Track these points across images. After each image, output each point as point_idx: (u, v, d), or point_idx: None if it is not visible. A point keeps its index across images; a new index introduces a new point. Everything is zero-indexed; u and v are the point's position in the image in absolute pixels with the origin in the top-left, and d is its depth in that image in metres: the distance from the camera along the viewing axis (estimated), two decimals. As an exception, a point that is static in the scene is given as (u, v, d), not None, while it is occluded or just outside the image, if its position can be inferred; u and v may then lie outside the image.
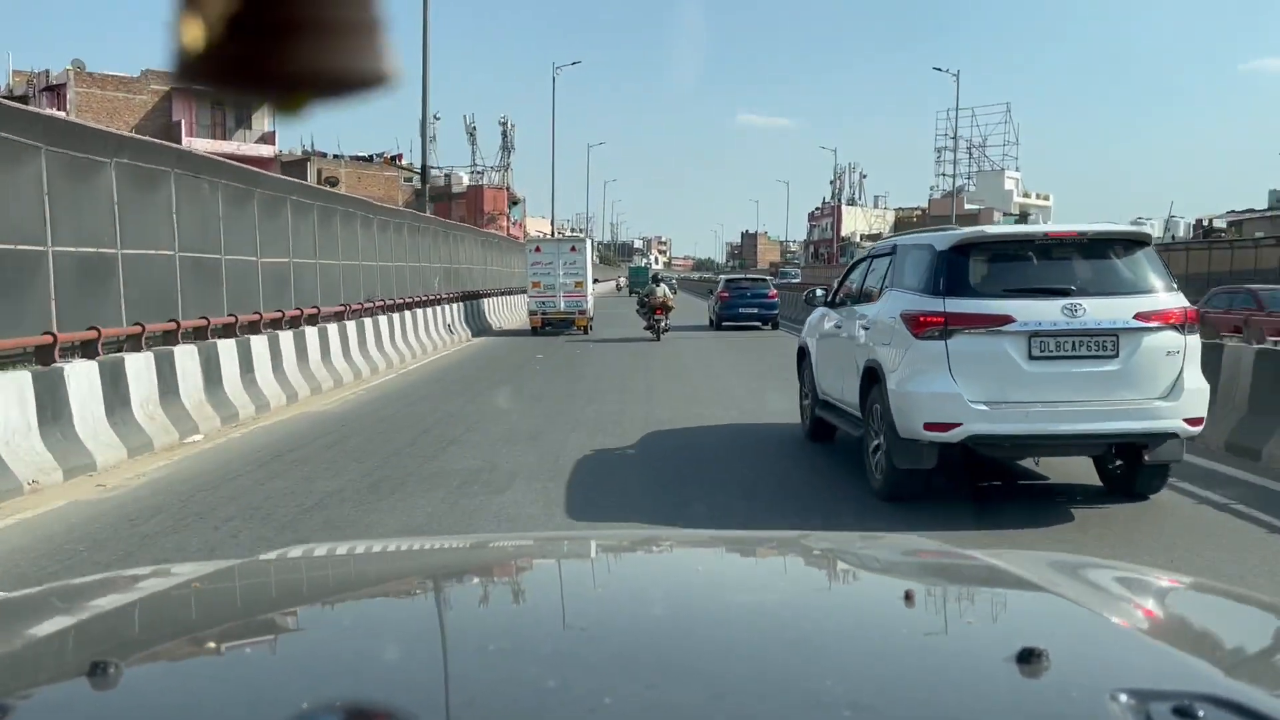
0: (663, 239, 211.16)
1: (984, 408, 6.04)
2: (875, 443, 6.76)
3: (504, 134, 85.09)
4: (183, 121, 42.44)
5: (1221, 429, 8.36)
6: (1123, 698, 0.91)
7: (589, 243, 28.18)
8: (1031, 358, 6.07)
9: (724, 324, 27.11)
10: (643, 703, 0.97)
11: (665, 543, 2.02)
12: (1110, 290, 6.20)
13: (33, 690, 1.08)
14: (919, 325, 6.23)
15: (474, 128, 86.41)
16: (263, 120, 44.46)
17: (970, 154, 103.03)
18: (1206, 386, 6.35)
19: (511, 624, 1.28)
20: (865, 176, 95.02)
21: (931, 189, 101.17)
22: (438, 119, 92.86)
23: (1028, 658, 0.99)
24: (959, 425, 6.06)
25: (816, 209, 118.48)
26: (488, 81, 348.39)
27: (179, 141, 33.81)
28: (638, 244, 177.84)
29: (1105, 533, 6.06)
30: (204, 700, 1.02)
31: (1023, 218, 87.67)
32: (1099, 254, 6.41)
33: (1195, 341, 6.30)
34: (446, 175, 76.63)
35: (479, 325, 26.67)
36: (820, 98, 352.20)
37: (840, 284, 8.59)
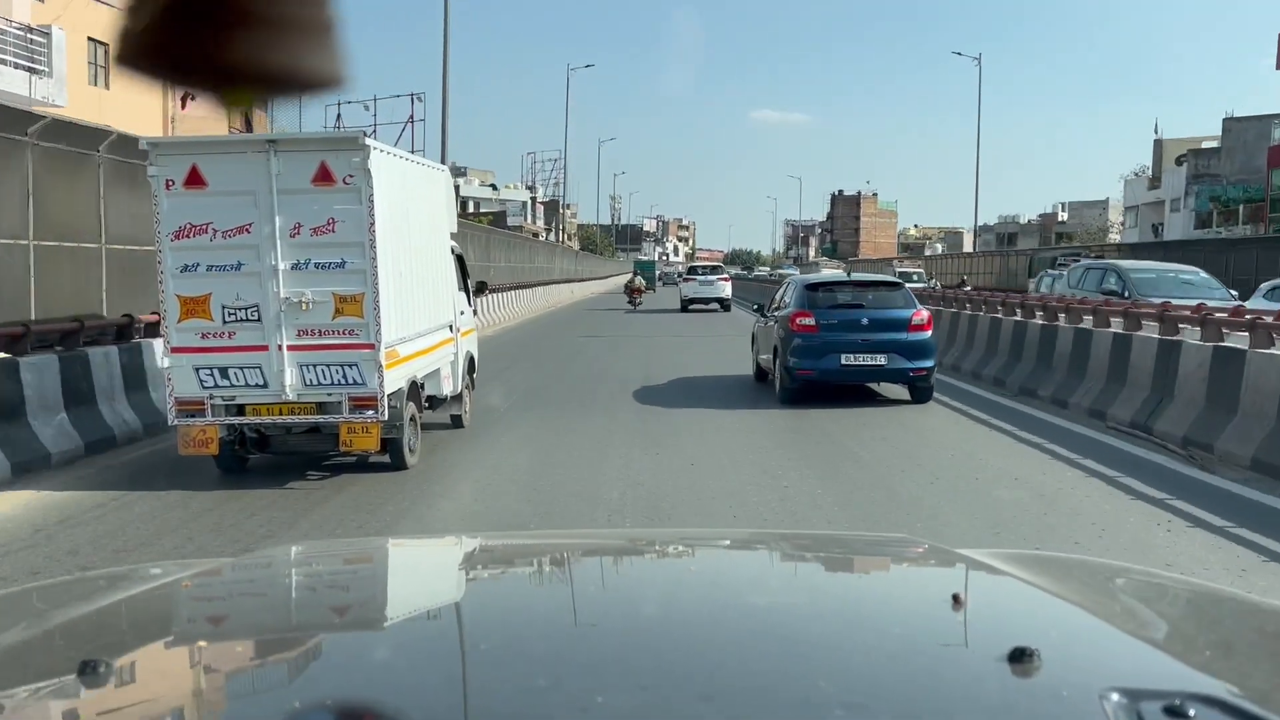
0: (684, 222, 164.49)
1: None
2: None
3: None
4: None
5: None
6: (1114, 697, 0.91)
7: (385, 159, 7.10)
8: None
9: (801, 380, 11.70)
10: (635, 702, 0.97)
11: (658, 543, 2.02)
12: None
13: (22, 689, 1.08)
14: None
15: None
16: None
17: None
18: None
19: (504, 623, 1.27)
20: None
21: None
22: None
23: (1019, 657, 0.98)
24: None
25: None
26: (503, 84, 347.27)
27: None
28: (648, 226, 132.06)
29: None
30: (193, 699, 1.03)
31: None
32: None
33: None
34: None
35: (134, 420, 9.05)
36: (833, 91, 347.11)
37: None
